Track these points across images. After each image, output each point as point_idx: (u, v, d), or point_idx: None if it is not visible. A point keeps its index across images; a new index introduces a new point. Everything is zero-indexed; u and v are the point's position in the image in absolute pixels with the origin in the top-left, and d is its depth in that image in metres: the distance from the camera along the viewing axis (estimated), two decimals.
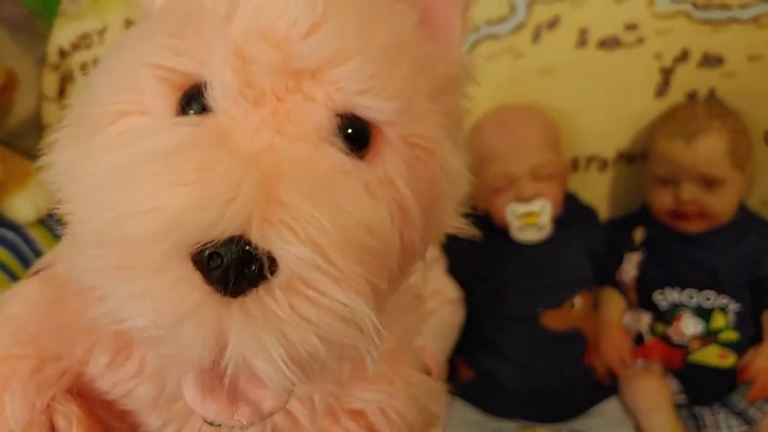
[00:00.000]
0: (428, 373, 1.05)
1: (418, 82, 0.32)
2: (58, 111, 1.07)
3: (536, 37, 1.10)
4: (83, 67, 1.02)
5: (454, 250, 1.17)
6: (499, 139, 1.07)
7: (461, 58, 0.36)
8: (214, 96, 0.30)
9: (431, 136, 0.32)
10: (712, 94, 1.09)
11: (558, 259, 1.07)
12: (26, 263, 1.02)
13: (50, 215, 1.09)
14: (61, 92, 1.06)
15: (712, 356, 1.02)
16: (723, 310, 1.02)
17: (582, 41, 1.09)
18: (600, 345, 1.09)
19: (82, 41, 1.01)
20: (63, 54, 1.02)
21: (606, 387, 1.07)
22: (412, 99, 0.32)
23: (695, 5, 1.05)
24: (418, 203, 0.32)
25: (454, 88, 0.35)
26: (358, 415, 0.38)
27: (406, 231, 0.32)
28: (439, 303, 1.10)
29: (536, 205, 1.04)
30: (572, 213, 1.11)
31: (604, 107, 1.12)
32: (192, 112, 0.30)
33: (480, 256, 1.12)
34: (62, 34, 1.01)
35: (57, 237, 1.09)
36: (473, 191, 1.13)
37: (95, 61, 1.01)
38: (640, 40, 1.08)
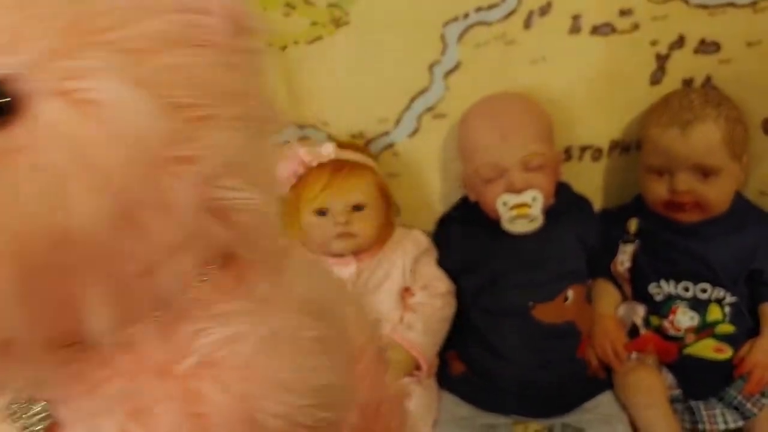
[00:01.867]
0: (418, 368, 1.03)
1: (91, 34, 0.29)
2: None
3: (528, 23, 1.07)
4: None
5: (445, 241, 1.15)
6: (489, 130, 1.04)
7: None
8: None
9: (104, 90, 0.29)
10: (708, 82, 1.06)
11: (551, 251, 1.05)
12: None
13: None
14: None
15: (708, 349, 1.00)
16: (719, 302, 1.00)
17: (575, 27, 1.06)
18: (594, 338, 1.07)
19: None
20: None
21: (600, 381, 1.05)
22: (67, 51, 0.29)
23: None
24: (86, 168, 0.29)
25: (183, 41, 0.32)
26: None
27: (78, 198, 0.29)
28: (429, 297, 1.08)
29: (527, 197, 1.01)
30: (566, 204, 1.09)
31: (598, 96, 1.09)
32: None
33: (471, 247, 1.10)
34: None
35: None
36: (464, 181, 1.10)
37: None
38: (635, 26, 1.05)
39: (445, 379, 1.09)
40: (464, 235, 1.12)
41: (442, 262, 1.13)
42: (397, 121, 1.12)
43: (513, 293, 1.04)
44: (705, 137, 0.98)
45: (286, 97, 1.09)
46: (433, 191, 1.17)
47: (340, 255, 1.06)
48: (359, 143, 1.12)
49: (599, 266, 1.09)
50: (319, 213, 1.05)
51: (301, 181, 1.06)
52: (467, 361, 1.09)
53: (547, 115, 1.08)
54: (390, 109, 1.12)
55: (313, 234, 1.05)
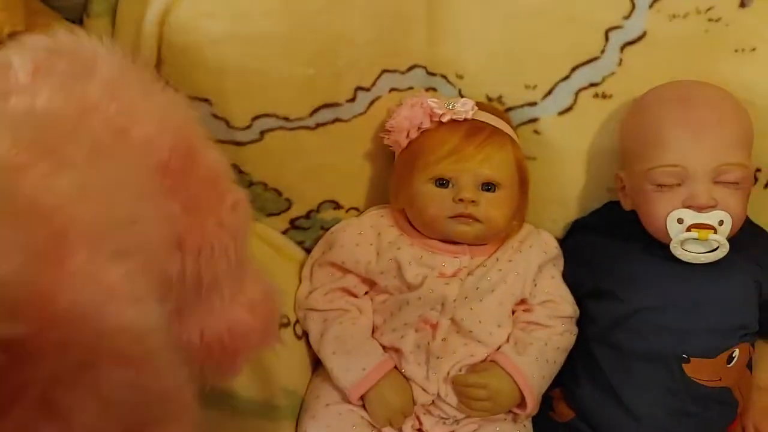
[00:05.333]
0: (522, 405, 0.80)
1: None
2: None
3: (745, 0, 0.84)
4: None
5: (576, 252, 0.92)
6: (678, 121, 0.81)
7: None
8: None
9: None
10: None
11: (722, 294, 0.82)
12: None
13: None
14: None
15: None
16: None
17: None
18: (747, 414, 0.84)
19: None
20: None
21: None
22: None
23: None
24: None
25: None
26: None
27: None
28: (549, 317, 0.86)
29: (714, 218, 0.78)
30: (742, 236, 0.85)
31: None
32: None
33: (612, 267, 0.87)
34: None
35: None
36: (620, 181, 0.87)
37: None
38: None
39: (543, 424, 0.87)
40: (605, 249, 0.88)
41: (568, 277, 0.90)
42: (549, 92, 0.89)
43: (663, 337, 0.81)
44: None
45: (422, 32, 0.87)
46: (574, 187, 0.93)
47: (453, 242, 0.84)
48: (499, 108, 0.89)
49: None
50: (438, 182, 0.82)
51: (423, 138, 0.83)
52: (579, 407, 0.86)
53: (750, 120, 0.84)
54: (543, 75, 0.89)
55: (426, 208, 0.83)
